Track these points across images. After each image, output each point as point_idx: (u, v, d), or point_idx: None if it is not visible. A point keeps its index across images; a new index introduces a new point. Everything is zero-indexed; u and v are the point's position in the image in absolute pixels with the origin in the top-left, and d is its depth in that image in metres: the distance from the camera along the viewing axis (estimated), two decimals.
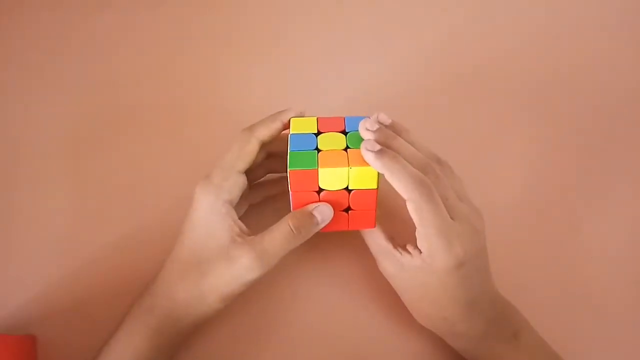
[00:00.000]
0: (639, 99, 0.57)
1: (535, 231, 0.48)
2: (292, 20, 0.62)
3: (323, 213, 0.39)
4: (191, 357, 0.42)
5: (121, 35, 0.60)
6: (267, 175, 0.46)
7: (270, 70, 0.58)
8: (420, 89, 0.57)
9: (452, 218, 0.36)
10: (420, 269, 0.37)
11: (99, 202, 0.50)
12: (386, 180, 0.37)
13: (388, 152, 0.36)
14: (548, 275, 0.46)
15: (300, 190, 0.38)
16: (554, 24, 0.63)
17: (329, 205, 0.39)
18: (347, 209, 0.40)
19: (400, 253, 0.38)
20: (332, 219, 0.39)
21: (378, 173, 0.37)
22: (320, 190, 0.39)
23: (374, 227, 0.41)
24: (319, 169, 0.37)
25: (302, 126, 0.40)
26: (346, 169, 0.37)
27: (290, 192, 0.39)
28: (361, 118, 0.39)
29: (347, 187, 0.38)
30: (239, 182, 0.40)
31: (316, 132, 0.40)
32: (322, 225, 0.39)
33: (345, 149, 0.38)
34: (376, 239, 0.41)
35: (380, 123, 0.38)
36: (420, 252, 0.37)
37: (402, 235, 0.39)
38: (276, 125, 0.41)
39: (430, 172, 0.37)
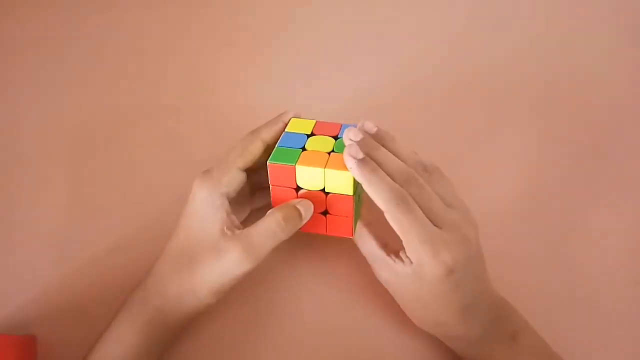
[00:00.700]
0: (638, 101, 0.57)
1: (534, 231, 0.48)
2: (292, 20, 0.62)
3: (306, 208, 0.39)
4: (192, 358, 0.42)
5: (121, 35, 0.61)
6: None
7: (270, 70, 0.58)
8: (420, 90, 0.57)
9: (438, 226, 0.36)
10: (413, 276, 0.37)
11: (99, 202, 0.50)
12: None
13: (368, 164, 0.36)
14: (547, 276, 0.46)
15: (278, 184, 0.39)
16: (554, 26, 0.63)
17: (310, 202, 0.39)
18: (325, 212, 0.40)
19: (394, 260, 0.38)
20: (311, 220, 0.40)
21: (354, 180, 0.38)
22: (299, 188, 0.39)
23: (352, 236, 0.41)
24: (297, 165, 0.38)
25: (298, 126, 0.41)
26: (322, 169, 0.38)
27: (270, 186, 0.40)
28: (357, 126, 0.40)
29: (324, 189, 0.39)
30: (237, 178, 0.41)
31: (310, 133, 0.41)
32: (305, 221, 0.39)
33: (329, 152, 0.39)
34: (370, 247, 0.41)
35: (365, 132, 0.39)
36: (412, 262, 0.37)
37: (397, 242, 0.39)
38: (278, 126, 0.42)
39: (413, 183, 0.37)
